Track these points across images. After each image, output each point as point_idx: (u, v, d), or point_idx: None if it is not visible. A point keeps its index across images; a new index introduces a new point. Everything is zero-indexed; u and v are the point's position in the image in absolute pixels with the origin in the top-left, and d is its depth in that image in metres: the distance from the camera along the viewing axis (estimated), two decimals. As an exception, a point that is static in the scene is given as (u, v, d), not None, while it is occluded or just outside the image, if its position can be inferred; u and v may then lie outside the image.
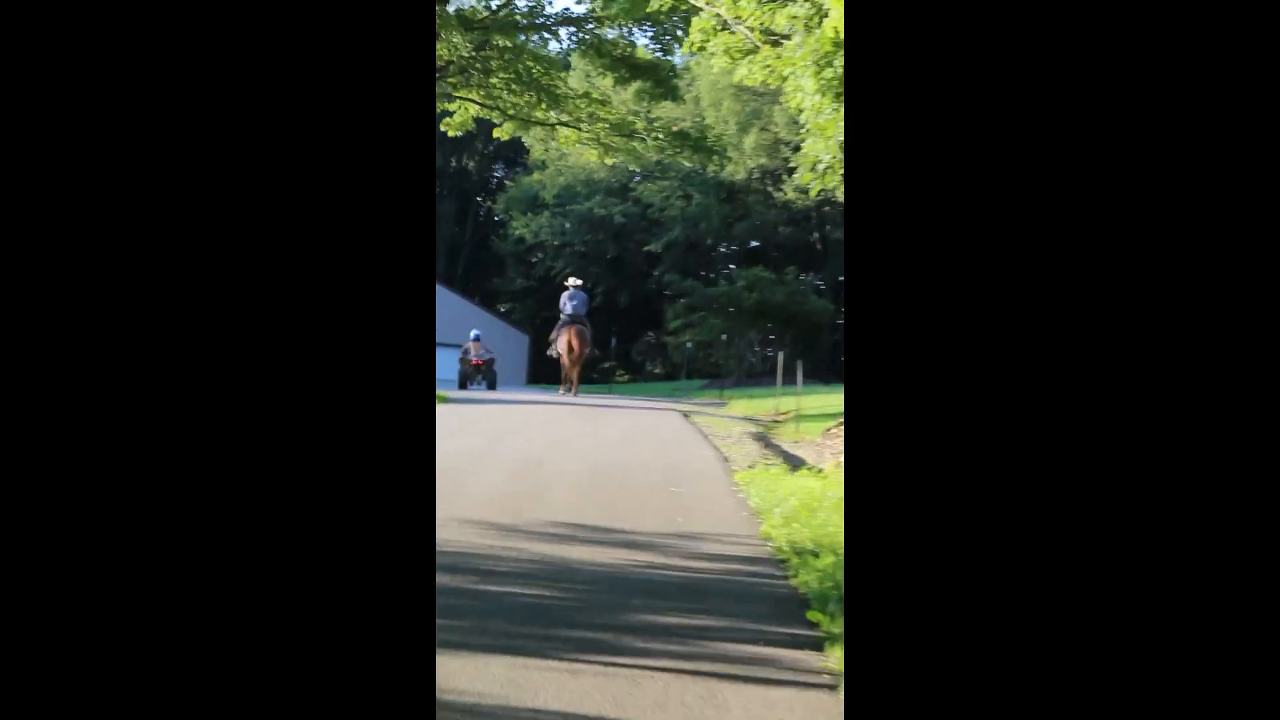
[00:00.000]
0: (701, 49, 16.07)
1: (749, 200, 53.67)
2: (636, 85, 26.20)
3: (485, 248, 63.11)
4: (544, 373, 45.24)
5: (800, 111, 13.17)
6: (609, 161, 27.83)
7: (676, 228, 53.92)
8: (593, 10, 25.24)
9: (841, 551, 5.87)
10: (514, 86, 24.83)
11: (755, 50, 14.68)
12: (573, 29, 25.81)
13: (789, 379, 23.66)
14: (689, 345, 47.46)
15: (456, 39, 23.08)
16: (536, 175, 58.05)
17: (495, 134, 26.82)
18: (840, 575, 5.70)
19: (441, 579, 5.77)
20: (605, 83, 29.41)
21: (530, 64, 24.62)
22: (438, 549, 6.13)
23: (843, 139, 11.63)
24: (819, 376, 32.80)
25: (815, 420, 17.46)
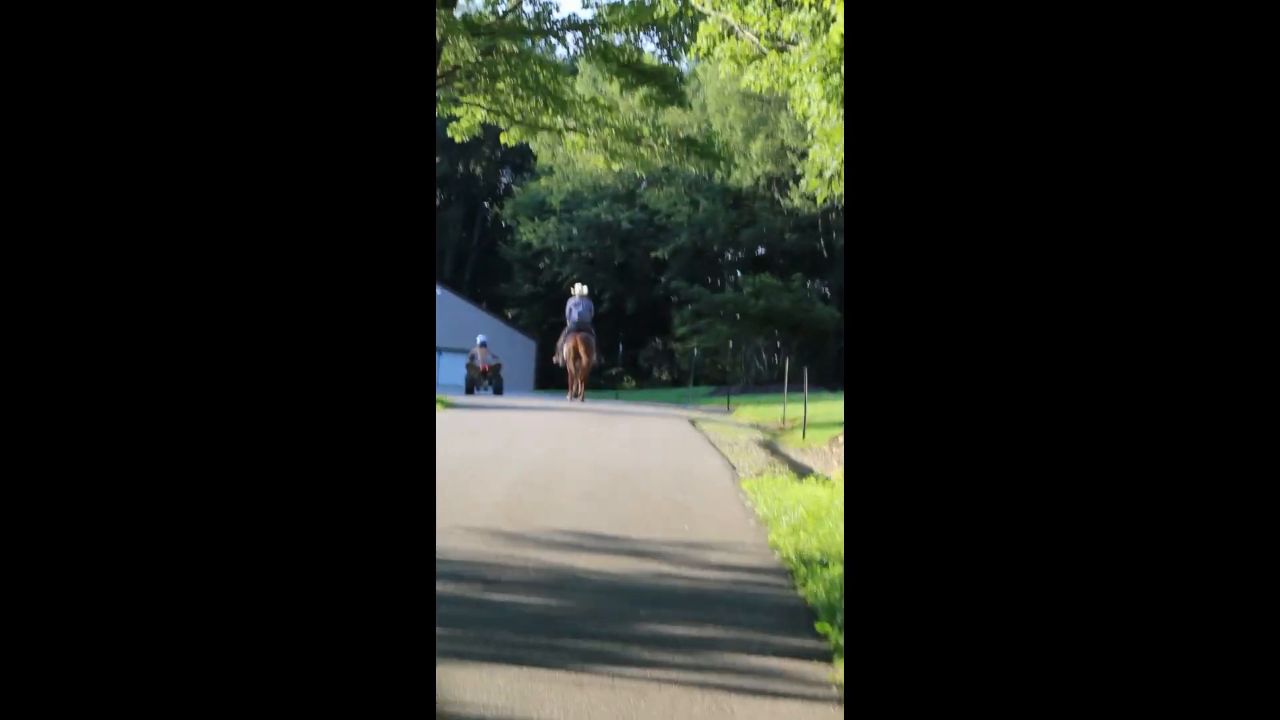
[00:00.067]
0: (708, 55, 16.04)
1: (755, 207, 53.67)
2: (643, 91, 26.13)
3: (492, 253, 63.14)
4: (551, 378, 45.27)
5: (807, 118, 13.14)
6: (616, 167, 27.79)
7: (683, 234, 53.93)
8: (599, 15, 25.21)
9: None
10: (521, 92, 24.80)
11: (762, 56, 14.66)
12: (579, 34, 25.78)
13: (795, 386, 23.62)
14: (696, 352, 47.43)
15: (463, 44, 23.05)
16: (543, 181, 58.08)
17: (502, 139, 26.77)
18: (849, 585, 5.64)
19: (446, 587, 5.73)
20: (612, 88, 29.38)
21: (537, 69, 24.58)
22: (442, 557, 6.09)
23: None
24: (825, 384, 32.80)
25: (822, 428, 17.42)
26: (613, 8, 24.71)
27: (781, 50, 14.11)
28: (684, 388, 46.99)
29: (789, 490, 9.94)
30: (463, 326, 46.95)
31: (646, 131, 25.75)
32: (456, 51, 23.35)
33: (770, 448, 14.71)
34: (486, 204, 66.31)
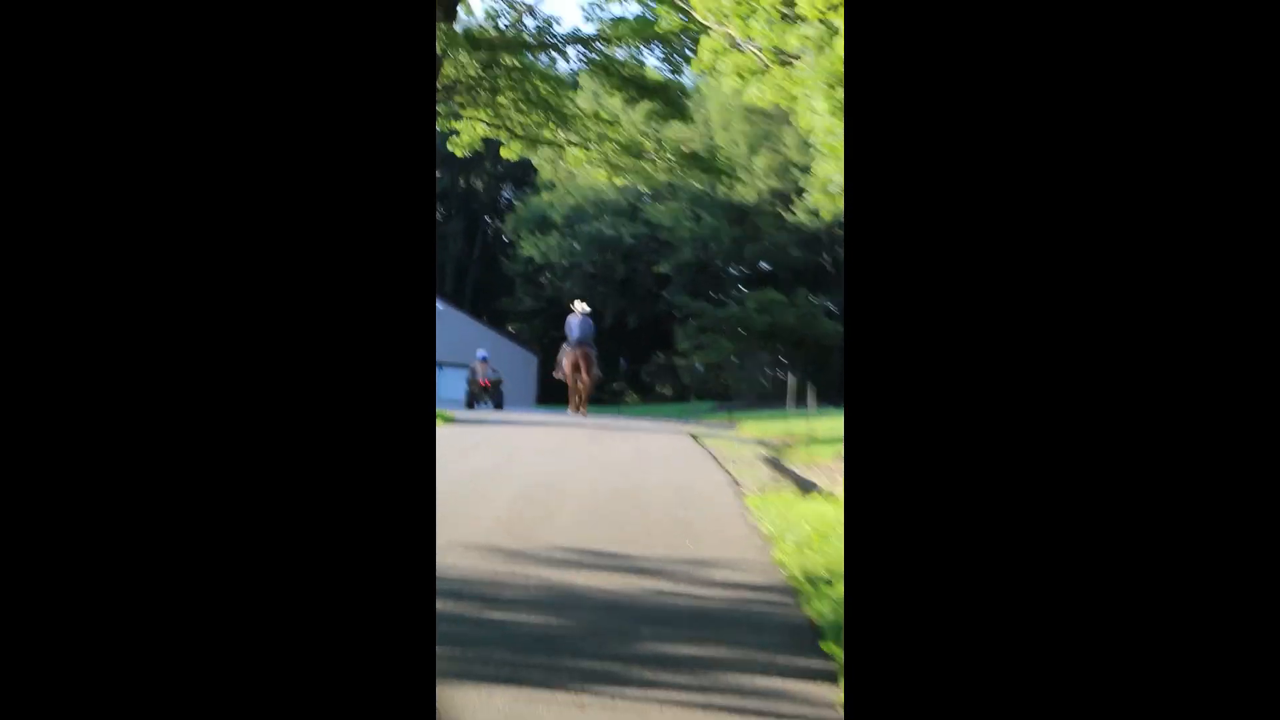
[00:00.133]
0: (711, 69, 15.98)
1: (759, 222, 53.68)
2: (646, 105, 26.08)
3: (494, 268, 63.18)
4: (552, 393, 45.21)
5: (811, 133, 13.07)
6: (618, 182, 27.74)
7: (686, 249, 53.96)
8: (602, 30, 25.16)
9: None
10: (522, 106, 24.72)
11: (766, 70, 14.58)
12: (581, 48, 25.72)
13: (800, 401, 23.56)
14: (699, 367, 47.42)
15: (464, 58, 22.98)
16: (545, 196, 58.12)
17: (503, 154, 26.71)
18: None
19: (445, 605, 5.63)
20: (614, 103, 29.34)
21: (538, 83, 24.51)
22: (441, 574, 6.00)
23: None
24: (830, 399, 32.72)
25: (827, 443, 17.33)
26: (616, 22, 24.67)
27: (786, 65, 14.04)
28: (687, 403, 46.97)
29: (794, 506, 9.84)
30: (464, 341, 46.94)
31: (649, 146, 25.68)
32: (457, 65, 23.29)
33: (774, 463, 14.61)
34: (488, 219, 66.36)
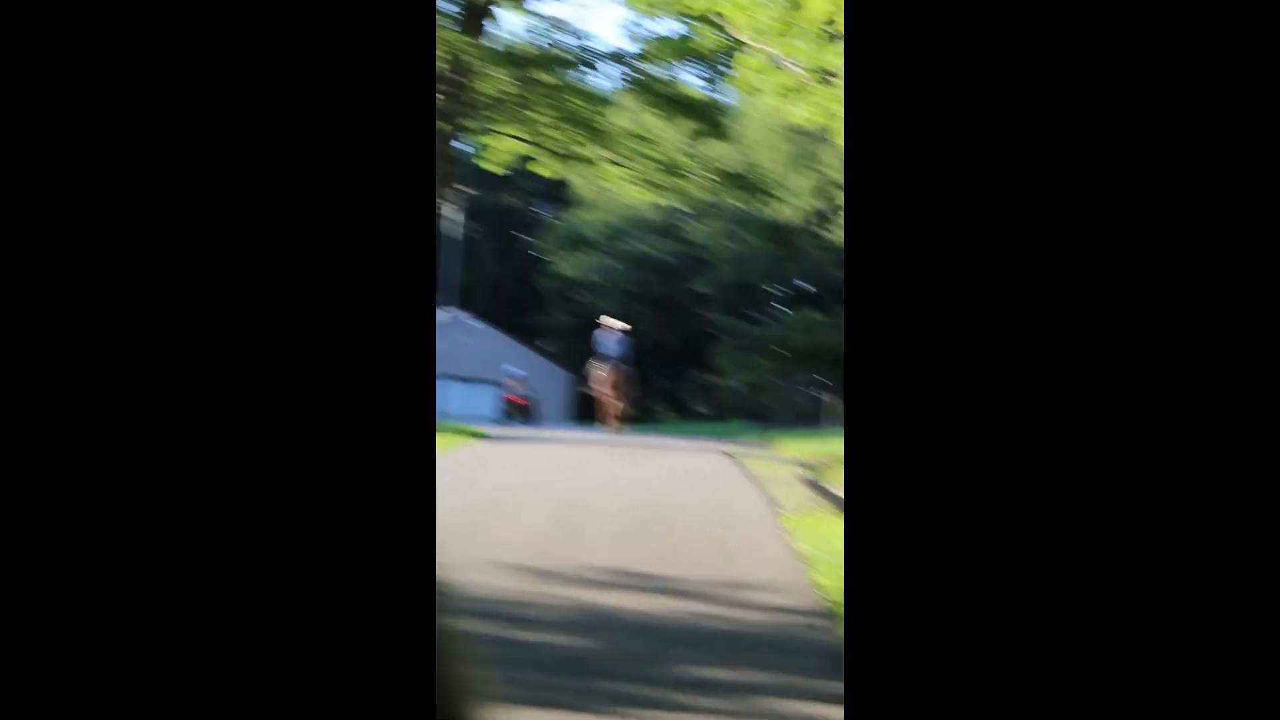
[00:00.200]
0: (752, 88, 15.92)
1: (798, 241, 53.64)
2: (685, 124, 26.03)
3: (529, 285, 63.29)
4: (586, 410, 45.27)
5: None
6: (657, 200, 27.68)
7: (725, 268, 53.97)
8: (641, 48, 25.10)
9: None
10: (559, 123, 24.67)
11: (806, 89, 14.50)
12: (621, 66, 25.66)
13: (837, 421, 23.41)
14: (736, 386, 47.39)
15: (501, 74, 22.91)
16: (580, 213, 58.20)
17: (538, 170, 26.69)
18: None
19: (475, 626, 5.52)
20: (654, 121, 29.28)
21: (575, 101, 24.44)
22: (472, 595, 5.90)
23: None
24: (866, 419, 32.41)
25: (864, 464, 17.16)
26: (655, 40, 24.61)
27: (826, 83, 13.96)
28: (724, 422, 46.93)
29: (831, 527, 9.69)
30: (498, 357, 47.11)
31: (688, 164, 25.60)
32: (494, 81, 23.23)
33: (812, 483, 14.48)
34: (522, 235, 66.51)
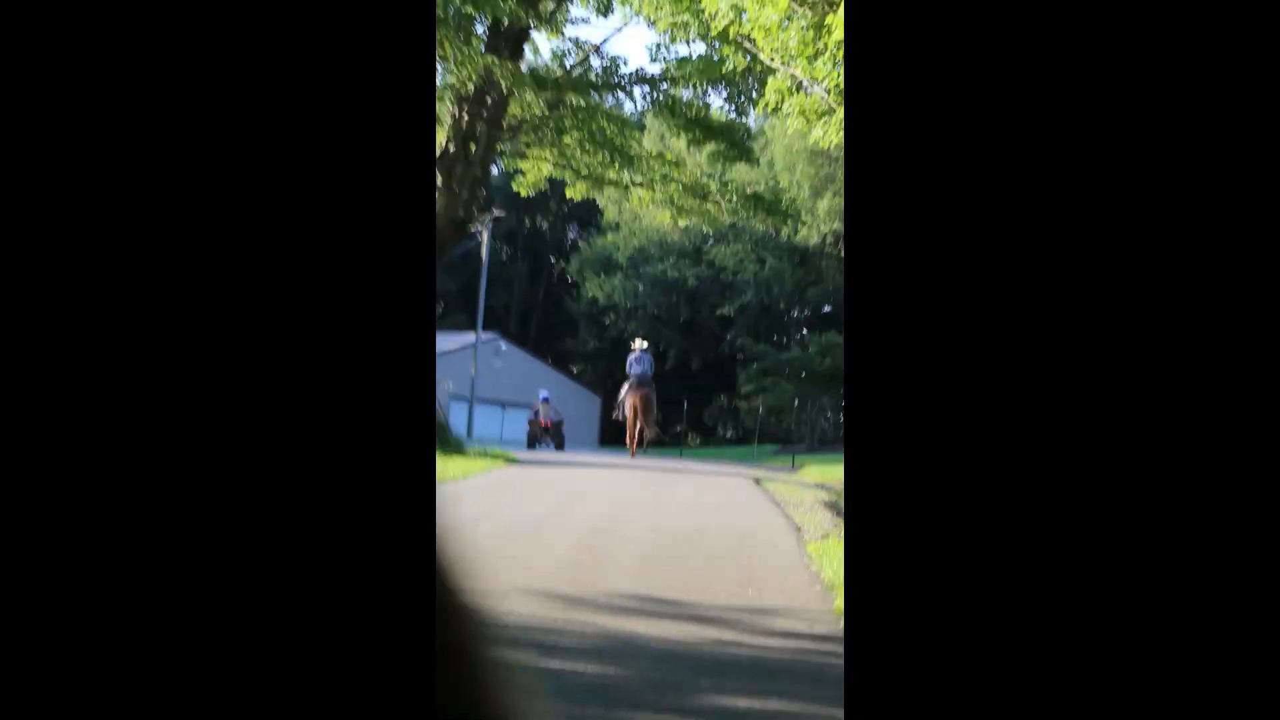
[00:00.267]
0: (776, 110, 15.91)
1: (822, 264, 53.65)
2: (710, 146, 26.03)
3: (558, 309, 63.38)
4: (615, 435, 45.25)
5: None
6: (682, 223, 27.68)
7: (749, 291, 53.95)
8: (667, 70, 25.13)
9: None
10: (587, 146, 24.71)
11: (831, 111, 14.51)
12: (647, 88, 25.70)
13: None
14: (761, 410, 47.30)
15: (529, 97, 22.98)
16: (610, 237, 58.26)
17: (567, 194, 26.73)
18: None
19: (508, 654, 5.53)
20: (679, 144, 29.30)
21: (604, 124, 24.49)
22: (499, 620, 5.91)
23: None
24: (892, 443, 32.35)
25: (889, 488, 17.13)
26: (681, 62, 24.61)
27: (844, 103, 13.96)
28: (749, 446, 46.84)
29: (855, 554, 9.70)
30: (527, 382, 47.10)
31: (714, 187, 25.60)
32: (523, 104, 23.30)
33: (836, 508, 14.45)
34: (552, 259, 66.57)
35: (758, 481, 18.45)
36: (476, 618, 2.23)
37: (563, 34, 24.48)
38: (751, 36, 15.41)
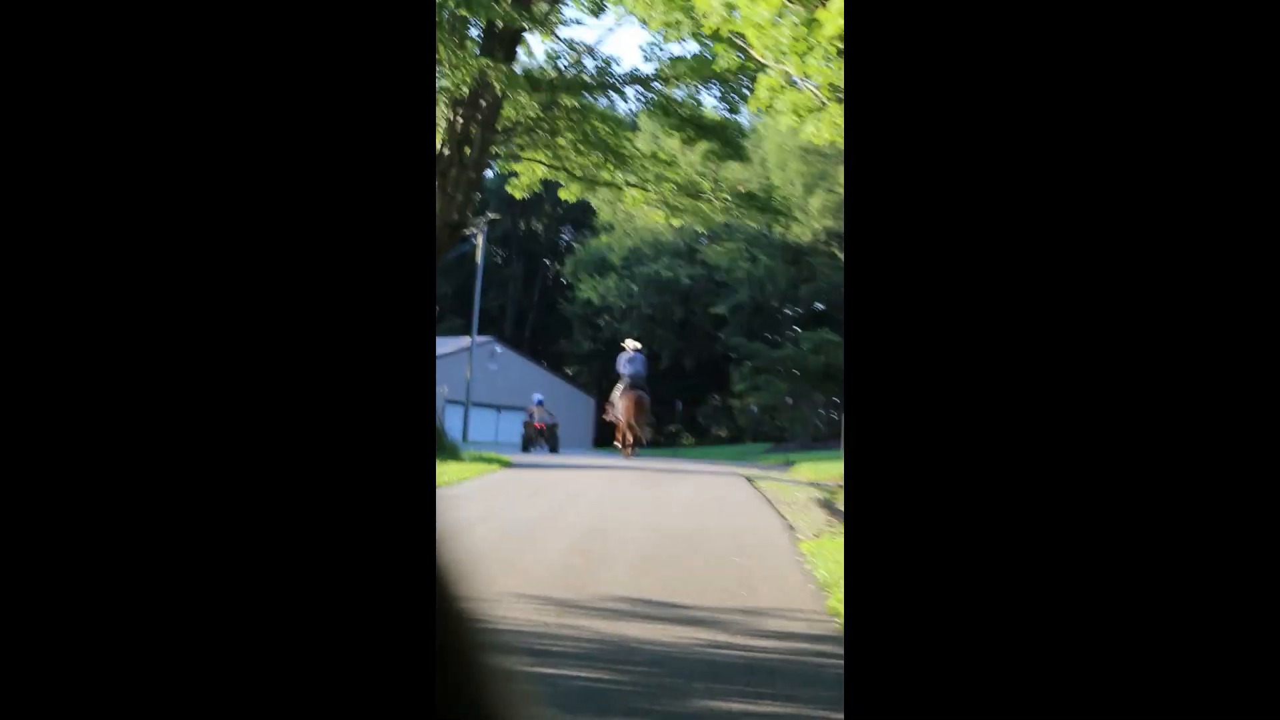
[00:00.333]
0: (768, 107, 15.88)
1: (815, 262, 53.64)
2: (703, 145, 25.99)
3: (553, 310, 63.36)
4: (610, 436, 45.29)
5: (868, 171, 12.90)
6: (676, 223, 27.64)
7: (742, 290, 53.93)
8: (660, 69, 25.08)
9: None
10: (581, 147, 24.66)
11: (823, 108, 14.48)
12: (640, 88, 25.64)
13: (855, 443, 23.31)
14: (754, 408, 47.29)
15: (523, 99, 22.93)
16: (604, 238, 58.24)
17: (561, 195, 26.69)
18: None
19: (503, 661, 5.50)
20: (672, 143, 29.26)
21: (597, 124, 24.44)
22: (492, 625, 5.87)
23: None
24: (886, 440, 32.35)
25: (883, 486, 17.11)
26: (674, 61, 24.58)
27: (840, 101, 13.93)
28: (742, 444, 46.82)
29: (849, 553, 9.66)
30: (522, 384, 47.09)
31: (707, 186, 25.56)
32: (517, 106, 23.26)
33: (830, 506, 14.43)
34: (547, 261, 66.54)
35: (751, 481, 18.43)
36: (471, 623, 2.20)
37: (556, 35, 24.44)
38: (743, 34, 15.37)
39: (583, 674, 5.74)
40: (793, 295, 55.11)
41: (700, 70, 23.80)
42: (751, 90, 17.59)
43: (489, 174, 31.41)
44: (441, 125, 22.18)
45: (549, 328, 63.80)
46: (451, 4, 20.82)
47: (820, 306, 55.02)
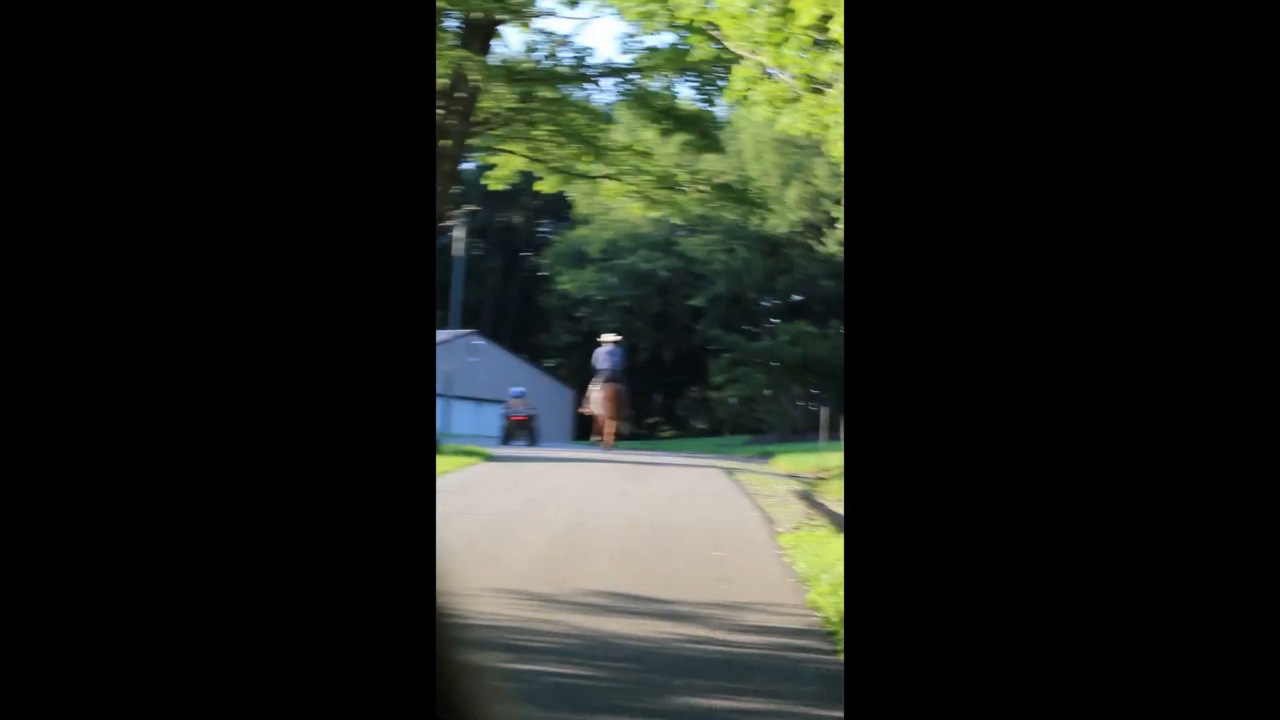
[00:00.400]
0: (744, 98, 15.86)
1: (792, 254, 53.60)
2: (680, 137, 25.97)
3: (532, 303, 63.20)
4: (588, 429, 45.28)
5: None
6: (653, 215, 27.64)
7: (720, 282, 53.87)
8: (636, 60, 25.02)
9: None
10: (558, 139, 24.61)
11: (798, 99, 14.44)
12: (617, 79, 25.58)
13: (833, 434, 23.35)
14: (733, 401, 47.28)
15: (501, 90, 22.84)
16: (582, 230, 58.09)
17: (538, 187, 26.64)
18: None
19: (480, 657, 5.46)
20: (649, 135, 29.22)
21: (575, 116, 24.38)
22: (469, 622, 5.83)
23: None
24: (865, 431, 32.37)
25: (862, 477, 17.09)
26: (650, 52, 24.55)
27: (818, 92, 13.90)
28: (721, 437, 46.83)
29: (828, 545, 9.63)
30: (502, 377, 47.03)
31: (684, 178, 25.53)
32: (494, 98, 23.16)
33: (808, 499, 14.42)
34: (526, 254, 66.41)
35: (730, 473, 18.41)
36: (446, 619, 2.17)
37: (531, 27, 24.38)
38: (718, 24, 15.34)
39: (561, 670, 5.71)
40: (770, 287, 55.06)
41: (676, 61, 23.76)
42: (727, 81, 17.57)
43: (467, 166, 31.33)
44: (418, 117, 22.15)
45: (528, 320, 63.71)
46: (428, -4, 20.75)
47: (798, 298, 55.04)
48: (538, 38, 24.98)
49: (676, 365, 56.57)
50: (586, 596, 7.46)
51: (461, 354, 47.55)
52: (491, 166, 25.76)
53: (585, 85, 26.09)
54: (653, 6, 19.96)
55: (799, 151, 48.67)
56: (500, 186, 26.26)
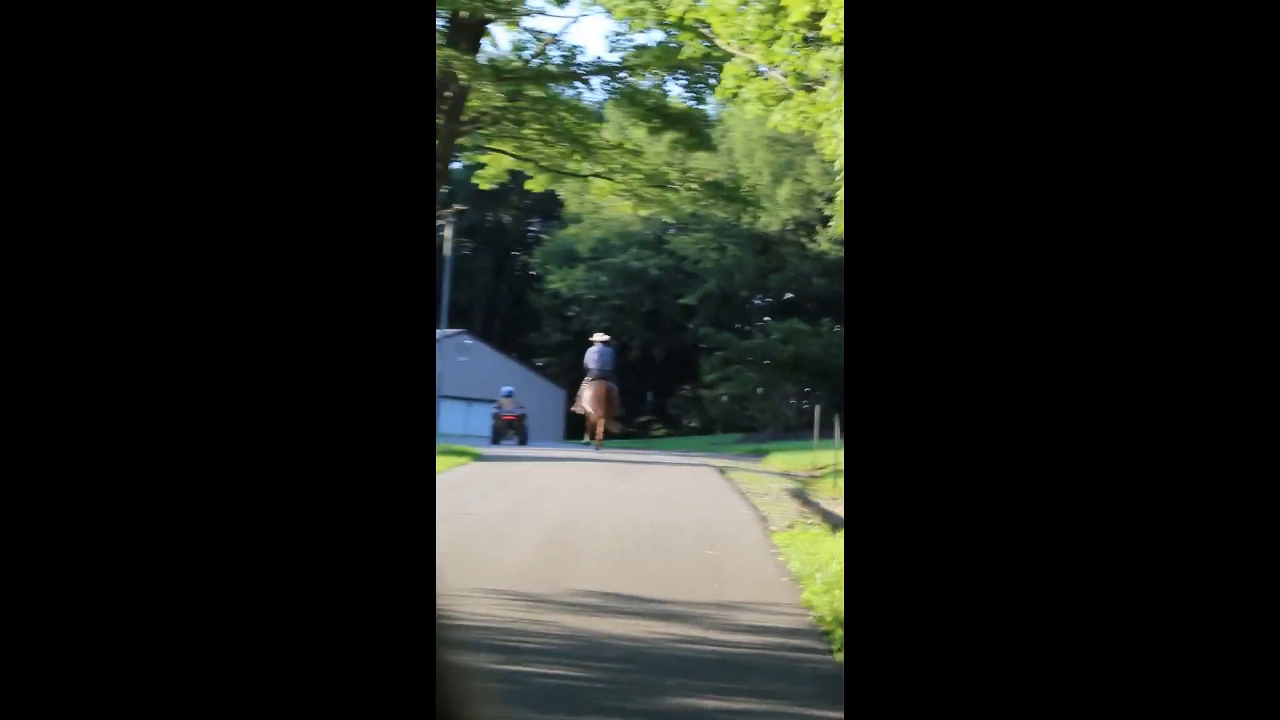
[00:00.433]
0: (734, 96, 15.82)
1: (783, 251, 53.60)
2: (670, 135, 25.94)
3: (522, 302, 63.17)
4: (579, 428, 45.29)
5: (835, 159, 12.88)
6: (643, 213, 27.61)
7: (711, 280, 53.86)
8: (626, 59, 24.99)
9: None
10: (547, 138, 24.56)
11: (789, 96, 14.40)
12: (606, 78, 25.56)
13: (826, 432, 23.31)
14: (725, 399, 47.28)
15: (489, 89, 22.79)
16: (572, 229, 58.10)
17: (527, 186, 26.60)
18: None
19: (471, 659, 5.41)
20: (639, 133, 29.19)
21: (564, 114, 24.34)
22: (462, 623, 5.79)
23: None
24: (857, 429, 32.37)
25: (854, 475, 17.07)
26: (639, 50, 24.52)
27: (809, 90, 13.86)
28: (714, 435, 46.81)
29: (822, 544, 9.59)
30: (492, 376, 47.01)
31: (674, 176, 25.49)
32: (483, 97, 23.11)
33: (802, 497, 14.41)
34: (516, 253, 66.38)
35: (722, 471, 18.39)
36: (437, 620, 2.13)
37: (520, 25, 24.34)
38: (708, 21, 15.29)
39: (553, 671, 5.67)
40: (762, 285, 55.09)
41: (666, 59, 23.72)
42: (718, 79, 17.53)
43: (456, 165, 31.30)
44: (407, 117, 22.15)
45: (518, 319, 63.68)
46: (416, -7, 20.75)
47: (790, 296, 55.04)
48: (526, 36, 24.94)
49: (668, 364, 56.57)
50: (578, 597, 7.42)
51: (451, 353, 47.53)
52: (480, 165, 25.73)
53: (574, 84, 26.07)
54: (642, 4, 19.94)
55: (790, 149, 48.68)
56: (489, 185, 26.22)
